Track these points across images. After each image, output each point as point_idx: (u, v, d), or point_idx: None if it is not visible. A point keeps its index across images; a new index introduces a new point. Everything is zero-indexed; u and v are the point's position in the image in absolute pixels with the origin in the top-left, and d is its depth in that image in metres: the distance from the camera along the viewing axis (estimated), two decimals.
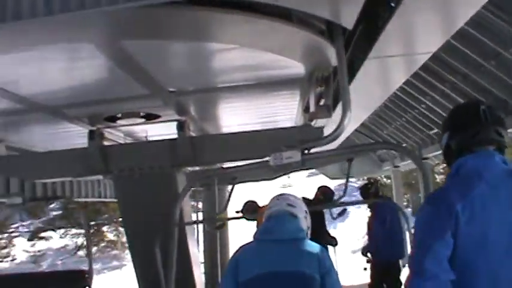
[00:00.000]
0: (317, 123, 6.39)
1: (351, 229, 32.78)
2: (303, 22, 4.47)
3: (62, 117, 6.64)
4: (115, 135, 7.96)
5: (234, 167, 9.70)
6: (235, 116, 7.48)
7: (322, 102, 6.12)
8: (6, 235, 37.76)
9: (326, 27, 4.80)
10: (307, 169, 18.23)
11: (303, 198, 10.46)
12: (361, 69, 5.49)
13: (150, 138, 7.86)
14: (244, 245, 4.18)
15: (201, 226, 12.67)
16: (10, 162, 7.56)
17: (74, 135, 7.61)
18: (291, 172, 11.03)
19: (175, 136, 6.86)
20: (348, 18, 4.28)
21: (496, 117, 3.20)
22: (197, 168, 11.20)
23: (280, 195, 4.42)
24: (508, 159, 3.16)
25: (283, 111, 7.34)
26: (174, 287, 6.10)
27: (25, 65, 4.61)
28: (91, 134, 7.04)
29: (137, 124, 7.08)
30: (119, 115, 6.67)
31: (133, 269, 7.56)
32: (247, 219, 9.44)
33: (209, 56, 4.81)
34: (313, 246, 4.00)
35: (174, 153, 6.87)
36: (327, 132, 6.71)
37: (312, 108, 6.01)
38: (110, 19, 3.69)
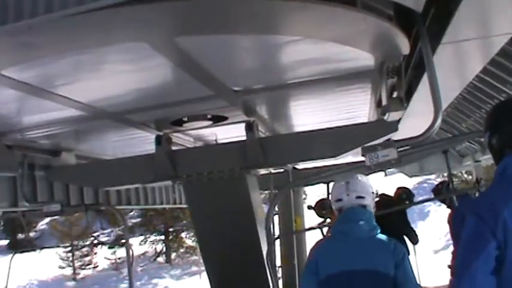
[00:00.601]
0: (390, 117, 6.06)
1: (432, 228, 32.06)
2: (368, 7, 4.15)
3: (128, 124, 6.53)
4: (184, 139, 7.82)
5: (331, 165, 9.78)
6: (305, 115, 7.20)
7: (394, 95, 5.76)
8: (88, 243, 38.58)
9: (394, 13, 4.47)
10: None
11: (383, 195, 10.34)
12: (435, 56, 5.12)
13: (220, 142, 7.65)
14: (320, 242, 4.58)
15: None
16: (79, 171, 7.50)
17: (142, 142, 7.51)
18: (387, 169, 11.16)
19: (245, 138, 6.65)
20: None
21: None
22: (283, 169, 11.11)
23: (347, 182, 4.61)
24: None
25: (354, 107, 7.02)
26: None
27: (83, 70, 4.47)
28: (158, 139, 6.91)
29: (204, 127, 6.90)
30: (185, 118, 6.50)
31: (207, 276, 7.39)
32: (319, 215, 9.69)
33: (272, 50, 4.54)
34: (386, 242, 4.30)
35: (243, 156, 6.66)
36: (403, 126, 6.43)
37: (384, 102, 5.69)
38: (162, 14, 3.48)
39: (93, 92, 5.15)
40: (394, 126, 6.10)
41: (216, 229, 7.01)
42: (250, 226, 6.90)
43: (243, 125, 6.65)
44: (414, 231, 10.92)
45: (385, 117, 5.97)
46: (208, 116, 6.49)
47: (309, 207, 11.89)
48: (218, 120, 6.67)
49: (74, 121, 5.98)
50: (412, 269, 4.23)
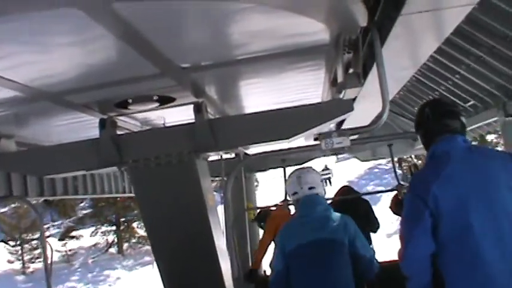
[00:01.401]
0: (346, 95, 5.81)
1: (384, 213, 32.18)
2: None
3: (70, 106, 6.12)
4: (130, 124, 7.44)
5: (286, 149, 10.12)
6: (256, 95, 6.89)
7: (350, 71, 5.49)
8: (37, 235, 37.81)
9: None
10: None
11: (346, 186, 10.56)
12: (392, 31, 4.86)
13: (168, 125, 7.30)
14: (286, 224, 5.47)
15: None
16: (20, 159, 7.07)
17: (87, 126, 7.10)
18: (335, 155, 11.59)
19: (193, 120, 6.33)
20: None
21: (441, 113, 4.24)
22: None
23: (299, 177, 5.68)
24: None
25: (308, 87, 6.73)
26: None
27: (14, 43, 4.08)
28: (102, 122, 6.53)
29: (151, 110, 6.54)
30: (130, 100, 6.12)
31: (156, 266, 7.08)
32: (260, 227, 10.89)
33: (222, 20, 4.21)
34: (339, 218, 5.25)
35: (192, 139, 6.33)
36: (357, 107, 6.18)
37: (340, 79, 5.42)
38: None
39: (27, 70, 4.73)
40: (349, 105, 5.85)
41: (164, 217, 6.69)
42: (200, 213, 6.59)
43: (191, 107, 6.33)
44: (377, 219, 11.05)
45: (341, 96, 5.72)
46: (155, 98, 6.13)
47: (253, 221, 11.93)
48: (165, 101, 6.31)
49: (9, 103, 5.54)
50: (366, 242, 5.12)
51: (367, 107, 6.12)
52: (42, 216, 14.14)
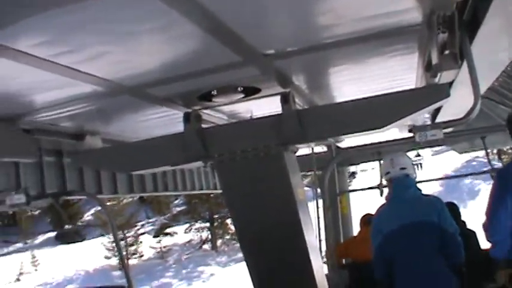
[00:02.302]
0: (442, 79, 5.41)
1: (483, 206, 31.00)
2: None
3: (152, 100, 6.00)
4: (216, 117, 7.26)
5: (379, 142, 10.44)
6: (346, 83, 6.54)
7: (446, 52, 5.05)
8: (132, 232, 38.61)
9: None
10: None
11: None
12: (492, 5, 4.42)
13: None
14: (380, 208, 5.77)
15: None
16: (104, 155, 7.00)
17: (172, 122, 6.97)
18: (430, 147, 11.21)
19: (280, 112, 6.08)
20: None
21: None
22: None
23: (391, 158, 6.03)
24: None
25: (400, 72, 6.33)
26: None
27: (97, 40, 3.96)
28: (186, 116, 6.36)
29: (236, 102, 6.33)
30: (214, 92, 5.92)
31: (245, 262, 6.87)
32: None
33: (307, 2, 3.93)
34: (428, 199, 5.60)
35: (279, 131, 6.07)
36: (454, 94, 5.77)
37: (434, 61, 5.03)
38: None
39: (106, 63, 4.61)
40: (446, 90, 5.46)
41: (252, 212, 6.46)
42: (289, 208, 6.33)
43: (278, 98, 6.08)
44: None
45: (436, 80, 5.33)
46: (239, 89, 5.91)
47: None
48: (250, 92, 6.09)
49: (90, 98, 5.44)
50: (451, 217, 5.46)
51: (465, 92, 5.69)
52: (112, 219, 13.98)
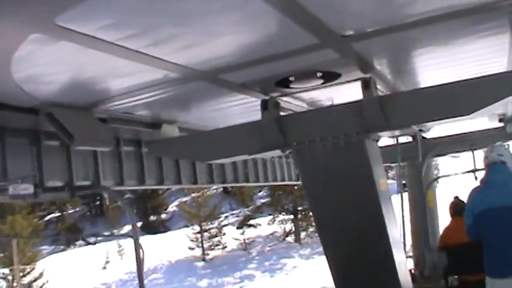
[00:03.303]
0: None
1: None
2: None
3: (228, 87, 5.82)
4: (295, 105, 7.04)
5: (466, 133, 10.62)
6: (431, 67, 6.18)
7: None
8: (216, 224, 38.89)
9: None
10: None
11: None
12: None
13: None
14: (475, 189, 6.10)
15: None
16: (180, 144, 6.91)
17: (250, 110, 6.79)
18: None
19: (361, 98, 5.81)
20: None
21: None
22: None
23: (493, 146, 6.25)
24: None
25: (490, 54, 5.91)
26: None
27: (169, 23, 3.84)
28: (264, 103, 6.19)
29: (315, 88, 6.09)
30: (292, 78, 5.70)
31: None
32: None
33: None
34: None
35: (361, 118, 5.82)
36: None
37: None
38: None
39: (178, 48, 4.46)
40: None
41: (332, 202, 6.25)
42: (371, 199, 6.07)
43: (359, 84, 5.81)
44: None
45: None
46: (318, 74, 5.67)
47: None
48: (330, 78, 5.83)
49: (163, 85, 5.31)
50: None
51: None
52: (133, 215, 13.76)
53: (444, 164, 28.88)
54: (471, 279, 7.91)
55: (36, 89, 4.83)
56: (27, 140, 6.23)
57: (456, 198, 9.77)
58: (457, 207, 9.48)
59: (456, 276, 8.72)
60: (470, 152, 10.48)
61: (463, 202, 8.79)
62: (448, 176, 12.10)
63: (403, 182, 12.60)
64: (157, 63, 4.60)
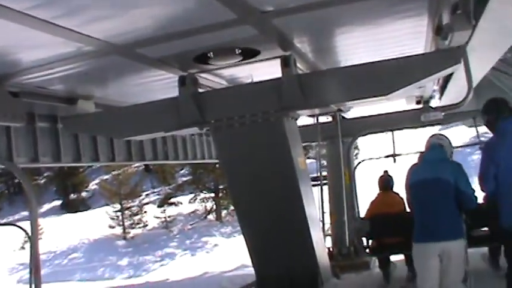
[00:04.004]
0: (452, 43, 5.05)
1: None
2: None
3: (145, 62, 5.65)
4: (214, 82, 6.92)
5: (385, 114, 10.84)
6: (351, 47, 6.17)
7: (459, 11, 4.67)
8: (137, 202, 38.45)
9: None
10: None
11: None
12: None
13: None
14: (412, 166, 6.28)
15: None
16: (95, 120, 6.71)
17: (167, 86, 6.63)
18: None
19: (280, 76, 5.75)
20: None
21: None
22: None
23: (434, 135, 6.38)
24: None
25: (409, 36, 5.95)
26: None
27: None
28: (182, 79, 6.05)
29: (233, 65, 5.98)
30: (210, 54, 5.58)
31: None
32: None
33: None
34: (450, 162, 6.21)
35: (279, 96, 5.76)
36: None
37: (445, 21, 4.68)
38: None
39: (93, 20, 4.28)
40: (457, 55, 5.14)
41: (250, 181, 6.20)
42: (289, 177, 6.04)
43: (279, 62, 5.75)
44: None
45: (446, 42, 4.98)
46: (237, 51, 5.56)
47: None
48: (249, 55, 5.74)
49: (78, 58, 5.10)
50: (469, 181, 6.03)
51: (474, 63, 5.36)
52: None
53: (364, 143, 29.35)
54: (387, 241, 8.95)
55: None
56: None
57: (385, 172, 10.17)
58: (385, 181, 9.96)
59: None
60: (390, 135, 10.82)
61: (391, 177, 10.04)
62: (371, 159, 12.31)
63: (323, 161, 12.71)
64: (69, 35, 4.41)
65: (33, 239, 5.40)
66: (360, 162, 12.02)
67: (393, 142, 10.95)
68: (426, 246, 5.95)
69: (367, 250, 9.78)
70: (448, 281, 5.88)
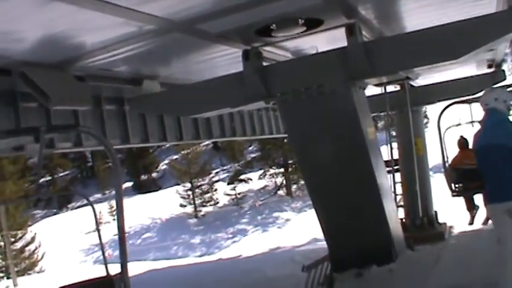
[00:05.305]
0: None
1: None
2: None
3: (206, 38, 5.59)
4: (278, 54, 6.82)
5: (455, 80, 10.49)
6: (417, 11, 5.94)
7: None
8: (207, 180, 38.79)
9: None
10: None
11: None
12: None
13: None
14: (476, 132, 6.03)
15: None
16: (161, 99, 6.71)
17: (232, 62, 6.57)
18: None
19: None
20: None
21: None
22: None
23: (491, 89, 6.21)
24: None
25: None
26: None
27: None
28: (245, 53, 5.98)
29: (297, 36, 5.86)
30: (273, 26, 5.48)
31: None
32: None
33: None
34: (507, 126, 5.85)
35: (345, 65, 5.63)
36: None
37: None
38: None
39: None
40: None
41: (319, 154, 6.10)
42: (359, 148, 5.93)
43: (343, 31, 5.62)
44: None
45: None
46: (300, 21, 5.45)
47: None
48: (313, 25, 5.61)
49: (139, 38, 5.08)
50: None
51: None
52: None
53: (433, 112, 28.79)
54: (471, 186, 10.82)
55: (6, 47, 4.61)
56: (2, 102, 5.98)
57: (461, 136, 12.07)
58: (463, 142, 11.92)
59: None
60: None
61: (466, 139, 11.38)
62: (457, 125, 12.60)
63: (392, 131, 12.48)
64: (129, 14, 4.39)
65: (119, 214, 5.48)
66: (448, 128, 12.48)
67: (470, 110, 11.60)
68: (495, 206, 5.99)
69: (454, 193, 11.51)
70: None
